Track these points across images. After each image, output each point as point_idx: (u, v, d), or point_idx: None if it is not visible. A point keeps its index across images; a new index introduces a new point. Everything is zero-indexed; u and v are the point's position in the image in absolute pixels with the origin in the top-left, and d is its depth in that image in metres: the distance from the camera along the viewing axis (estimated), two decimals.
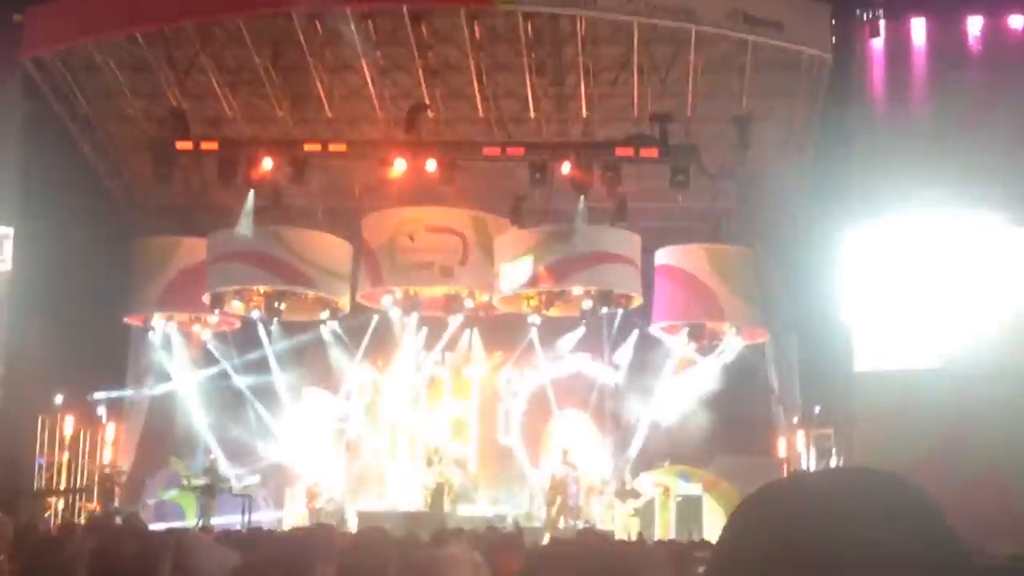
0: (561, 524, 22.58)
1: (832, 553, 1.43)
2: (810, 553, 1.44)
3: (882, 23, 22.09)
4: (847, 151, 22.28)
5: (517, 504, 24.23)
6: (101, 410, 25.16)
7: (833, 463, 22.73)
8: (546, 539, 18.66)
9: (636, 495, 23.59)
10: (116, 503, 23.78)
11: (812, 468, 22.85)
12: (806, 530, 1.46)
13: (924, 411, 20.18)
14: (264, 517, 24.07)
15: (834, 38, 21.08)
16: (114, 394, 25.42)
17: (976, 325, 21.63)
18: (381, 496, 24.75)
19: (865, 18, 22.15)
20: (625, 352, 25.42)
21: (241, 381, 25.62)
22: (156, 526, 19.53)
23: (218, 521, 22.10)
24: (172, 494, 24.83)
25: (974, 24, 21.79)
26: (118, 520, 21.52)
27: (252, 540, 10.30)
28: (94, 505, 24.04)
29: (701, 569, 7.93)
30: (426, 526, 20.10)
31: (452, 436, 25.95)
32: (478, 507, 24.02)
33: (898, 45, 22.12)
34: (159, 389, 25.75)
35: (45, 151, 23.23)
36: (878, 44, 22.22)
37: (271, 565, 6.28)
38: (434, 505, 22.79)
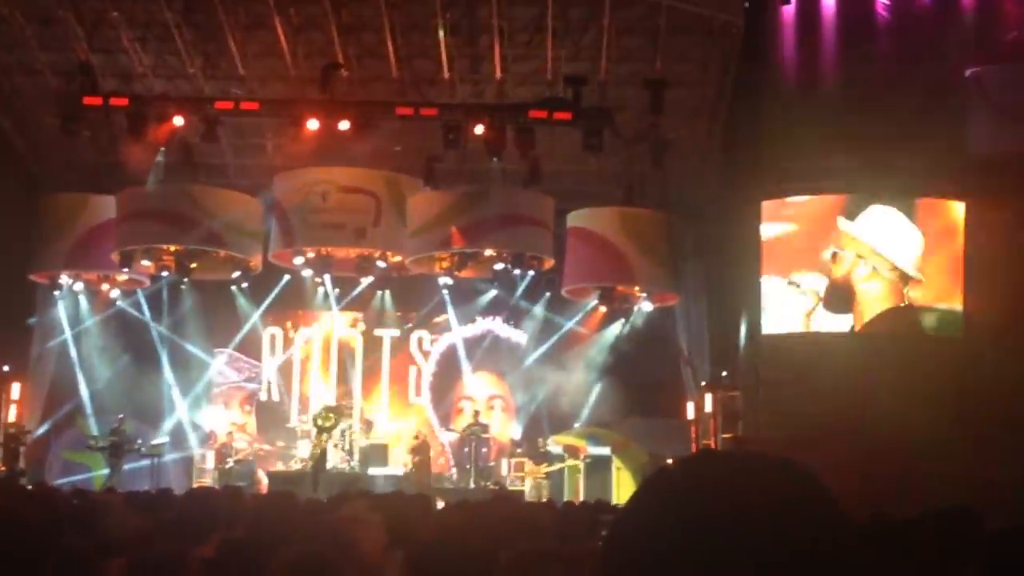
0: (471, 485, 22.76)
1: (724, 542, 1.47)
2: (704, 542, 1.48)
3: None
4: (758, 118, 22.47)
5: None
6: (6, 368, 24.75)
7: (740, 426, 23.02)
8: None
9: (551, 457, 23.81)
10: (22, 463, 23.49)
11: (719, 432, 23.16)
12: (699, 520, 1.49)
13: (830, 374, 20.48)
14: (173, 478, 23.97)
15: (747, 4, 21.22)
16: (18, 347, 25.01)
17: (881, 290, 21.98)
18: (290, 456, 24.73)
19: None
20: (536, 314, 25.59)
21: (151, 340, 25.48)
22: (61, 482, 19.46)
23: (126, 481, 21.96)
24: (78, 455, 24.64)
25: None
26: (23, 482, 21.37)
27: (160, 502, 10.26)
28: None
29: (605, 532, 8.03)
30: (318, 486, 20.36)
31: (363, 397, 26.04)
32: (388, 467, 24.09)
33: (809, 13, 22.28)
34: (65, 347, 25.43)
35: None
36: (789, 11, 22.37)
37: (178, 527, 6.28)
38: (316, 466, 22.78)
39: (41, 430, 25.12)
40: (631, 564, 1.52)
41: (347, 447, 23.83)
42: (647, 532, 1.53)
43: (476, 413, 24.74)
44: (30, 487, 18.78)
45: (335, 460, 23.63)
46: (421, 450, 23.70)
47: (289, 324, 26.49)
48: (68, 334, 25.44)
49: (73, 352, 25.44)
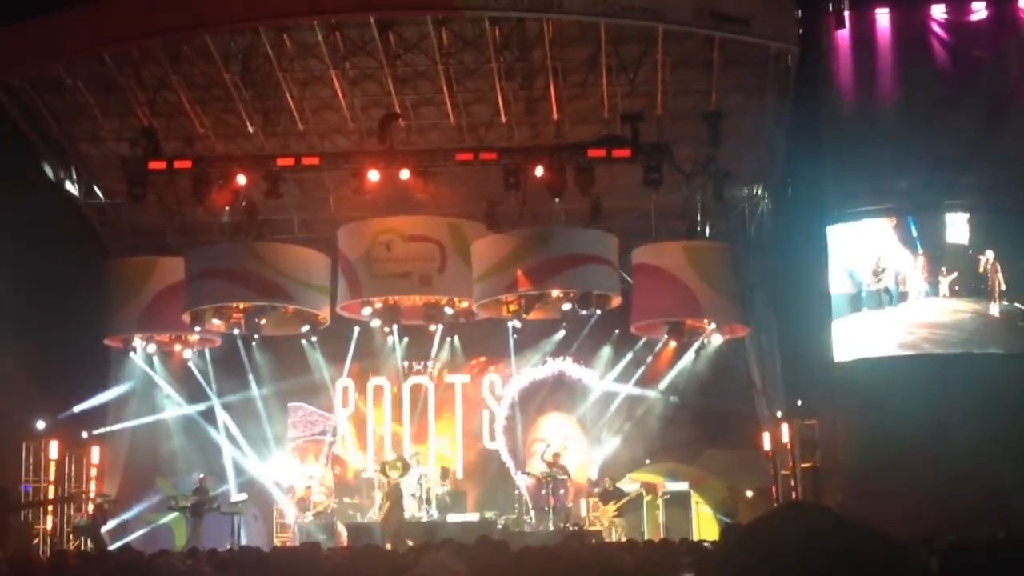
0: (551, 527, 22.70)
1: None
2: None
3: (847, 14, 22.21)
4: (817, 143, 22.43)
5: (505, 509, 24.28)
6: (85, 434, 25.08)
7: (818, 455, 22.86)
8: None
9: (620, 495, 23.64)
10: (104, 522, 23.79)
11: (797, 462, 23.03)
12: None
13: (906, 398, 20.30)
14: (253, 533, 24.09)
15: (800, 31, 21.17)
16: (96, 410, 25.32)
17: (951, 311, 21.95)
18: (368, 507, 24.78)
19: (830, 9, 22.27)
20: (605, 352, 25.50)
21: (223, 398, 25.65)
22: (143, 546, 19.62)
23: (205, 538, 22.07)
24: (161, 516, 24.81)
25: (937, 12, 21.96)
26: (105, 536, 21.66)
27: (242, 560, 10.32)
28: (81, 532, 24.04)
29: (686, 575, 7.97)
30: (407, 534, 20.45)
31: (438, 444, 26.04)
32: (466, 514, 24.06)
33: (864, 36, 22.25)
34: (142, 409, 25.62)
35: (17, 174, 23.21)
36: (844, 35, 22.35)
37: None
38: (389, 515, 22.83)
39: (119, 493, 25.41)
40: None
41: (424, 495, 23.83)
42: None
43: (556, 455, 24.56)
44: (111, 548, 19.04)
45: (412, 509, 23.63)
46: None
47: (361, 374, 26.53)
48: (154, 396, 25.67)
49: (150, 413, 25.65)
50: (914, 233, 22.40)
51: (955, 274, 22.20)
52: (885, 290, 22.37)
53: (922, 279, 22.39)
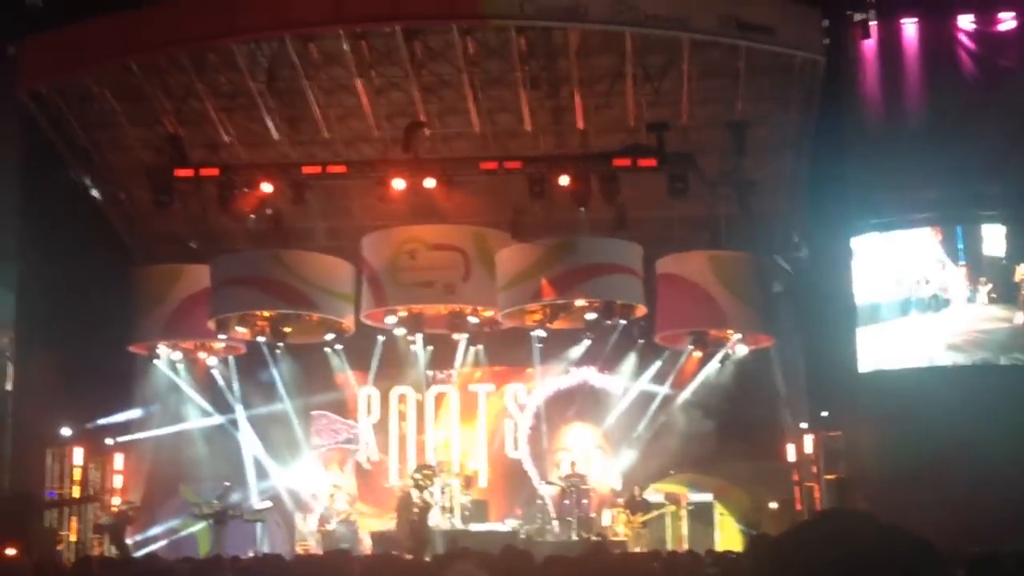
0: (574, 537, 22.65)
1: None
2: None
3: (873, 24, 22.15)
4: (843, 153, 22.37)
5: (528, 519, 24.20)
6: (109, 441, 25.15)
7: (842, 466, 22.75)
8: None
9: (648, 506, 23.53)
10: (131, 535, 23.83)
11: (822, 473, 22.92)
12: None
13: (933, 408, 20.22)
14: (276, 541, 24.09)
15: (826, 40, 21.12)
16: (120, 418, 25.41)
17: (976, 321, 21.92)
18: (392, 516, 24.73)
19: (856, 19, 22.21)
20: (630, 362, 25.41)
21: (247, 406, 25.63)
22: (167, 555, 19.66)
23: (229, 546, 22.07)
24: (184, 523, 24.83)
25: (964, 22, 21.88)
26: (131, 545, 21.68)
27: (267, 568, 10.31)
28: (104, 530, 24.13)
29: None
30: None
31: (461, 453, 25.96)
32: (489, 523, 24.00)
33: (890, 46, 22.18)
34: (165, 417, 25.65)
35: (44, 183, 23.34)
36: (870, 45, 22.28)
37: None
38: (418, 525, 22.74)
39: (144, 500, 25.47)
40: None
41: (447, 504, 23.79)
42: None
43: (573, 464, 24.54)
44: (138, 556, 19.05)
45: (436, 518, 23.57)
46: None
47: (386, 383, 26.48)
48: (178, 403, 25.71)
49: (174, 421, 25.68)
50: (960, 244, 22.43)
51: (990, 284, 22.19)
52: (933, 296, 22.43)
53: (964, 287, 22.38)
